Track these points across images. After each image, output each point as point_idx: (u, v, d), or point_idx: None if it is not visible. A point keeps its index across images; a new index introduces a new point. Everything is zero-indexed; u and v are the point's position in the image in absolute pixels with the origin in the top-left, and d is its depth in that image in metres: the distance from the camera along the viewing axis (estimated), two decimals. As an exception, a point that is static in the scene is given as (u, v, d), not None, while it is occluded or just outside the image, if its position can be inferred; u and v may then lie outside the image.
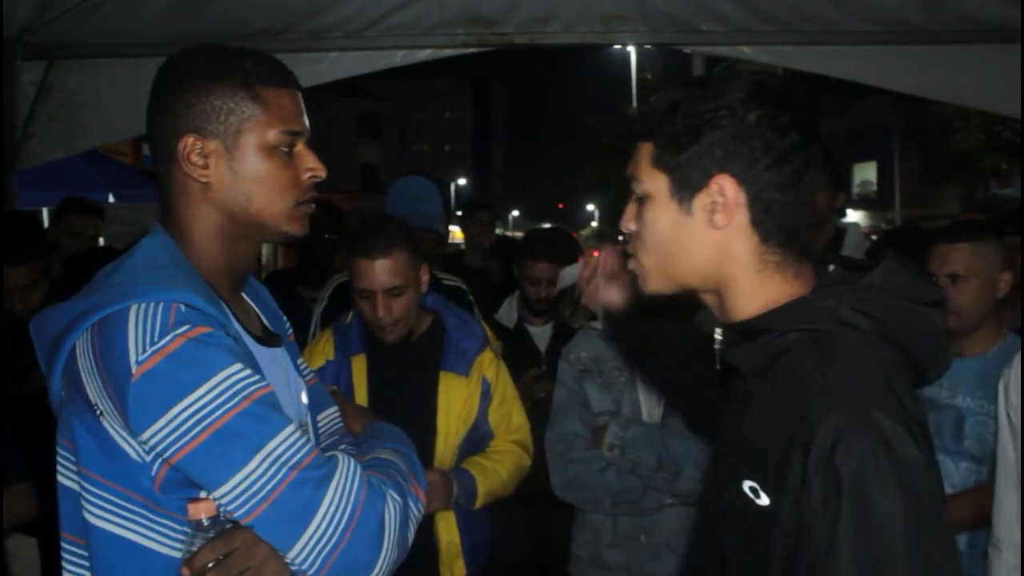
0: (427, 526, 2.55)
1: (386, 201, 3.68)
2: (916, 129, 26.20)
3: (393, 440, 1.67)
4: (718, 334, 1.42)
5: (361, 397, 2.57)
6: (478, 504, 2.53)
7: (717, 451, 1.46)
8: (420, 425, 2.49)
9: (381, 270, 2.46)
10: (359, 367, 2.63)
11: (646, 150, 1.35)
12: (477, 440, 2.66)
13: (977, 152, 21.12)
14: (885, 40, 3.61)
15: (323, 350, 2.67)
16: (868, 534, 1.09)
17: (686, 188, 1.31)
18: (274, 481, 1.26)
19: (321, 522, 1.28)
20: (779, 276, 1.33)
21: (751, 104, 1.27)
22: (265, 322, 1.64)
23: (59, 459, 1.38)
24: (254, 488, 1.25)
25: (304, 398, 1.64)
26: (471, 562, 2.63)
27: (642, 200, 1.37)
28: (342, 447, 1.70)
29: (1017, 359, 2.22)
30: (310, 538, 1.27)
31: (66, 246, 4.59)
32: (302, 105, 1.51)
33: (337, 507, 1.29)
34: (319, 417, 1.75)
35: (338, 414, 1.82)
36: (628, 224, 1.42)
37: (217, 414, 1.25)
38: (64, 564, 1.39)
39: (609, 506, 2.69)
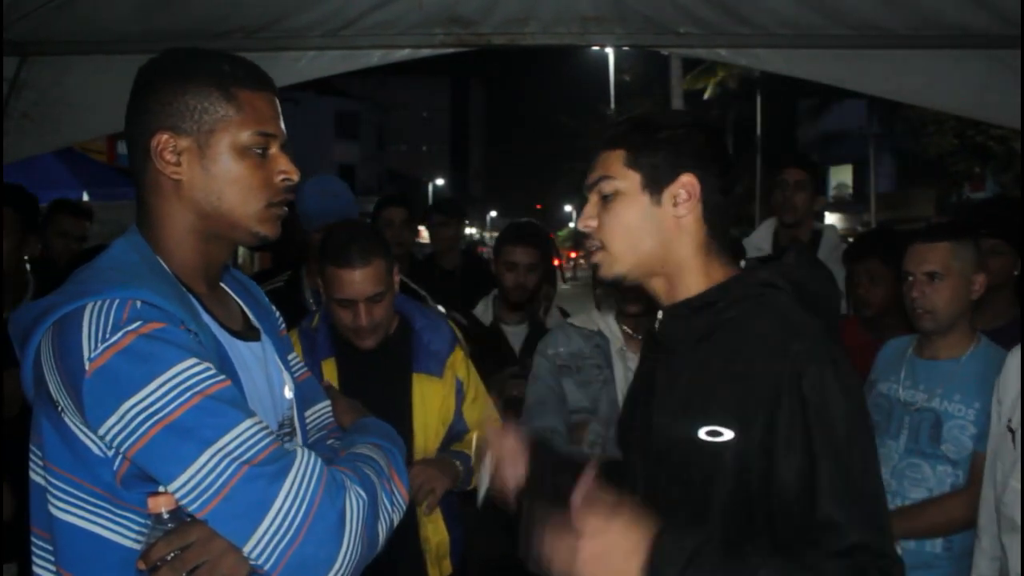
0: (414, 527, 2.57)
1: (298, 204, 3.56)
2: (891, 133, 26.44)
3: (377, 435, 1.68)
4: (660, 315, 1.71)
5: None
6: (473, 485, 2.54)
7: (639, 416, 1.73)
8: (397, 427, 2.50)
9: (363, 279, 2.46)
10: (330, 372, 2.62)
11: (617, 155, 1.65)
12: (452, 438, 2.68)
13: (951, 156, 21.34)
14: (860, 44, 3.64)
15: None
16: (824, 426, 1.44)
17: (657, 183, 1.62)
18: (225, 476, 1.26)
19: (276, 517, 1.28)
20: (717, 261, 1.66)
21: (698, 127, 1.66)
22: (251, 316, 1.65)
23: (30, 455, 1.39)
24: (205, 483, 1.26)
25: (288, 393, 1.64)
26: (454, 559, 2.65)
27: (609, 197, 1.64)
28: (329, 442, 1.72)
29: (1005, 363, 2.27)
30: (264, 533, 1.27)
31: (55, 246, 4.63)
32: (278, 109, 1.52)
33: (292, 502, 1.29)
34: (309, 412, 1.76)
35: (330, 409, 1.83)
36: (589, 222, 1.68)
37: (167, 409, 1.26)
38: (33, 559, 1.40)
39: None
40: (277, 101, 1.53)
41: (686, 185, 1.61)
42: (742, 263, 1.74)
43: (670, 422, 1.62)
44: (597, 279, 2.66)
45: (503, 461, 1.92)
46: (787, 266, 1.66)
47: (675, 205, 1.62)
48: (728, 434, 1.50)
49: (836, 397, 1.46)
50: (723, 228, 1.68)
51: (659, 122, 1.67)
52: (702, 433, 1.52)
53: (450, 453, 2.58)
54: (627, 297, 2.70)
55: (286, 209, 1.55)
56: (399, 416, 2.57)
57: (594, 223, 1.67)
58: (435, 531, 2.60)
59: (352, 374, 2.62)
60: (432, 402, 2.63)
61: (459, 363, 2.72)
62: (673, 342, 1.68)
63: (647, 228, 1.63)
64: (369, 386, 2.59)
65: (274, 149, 1.50)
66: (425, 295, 3.68)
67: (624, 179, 1.63)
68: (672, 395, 1.64)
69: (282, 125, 1.53)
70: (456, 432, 2.70)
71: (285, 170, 1.51)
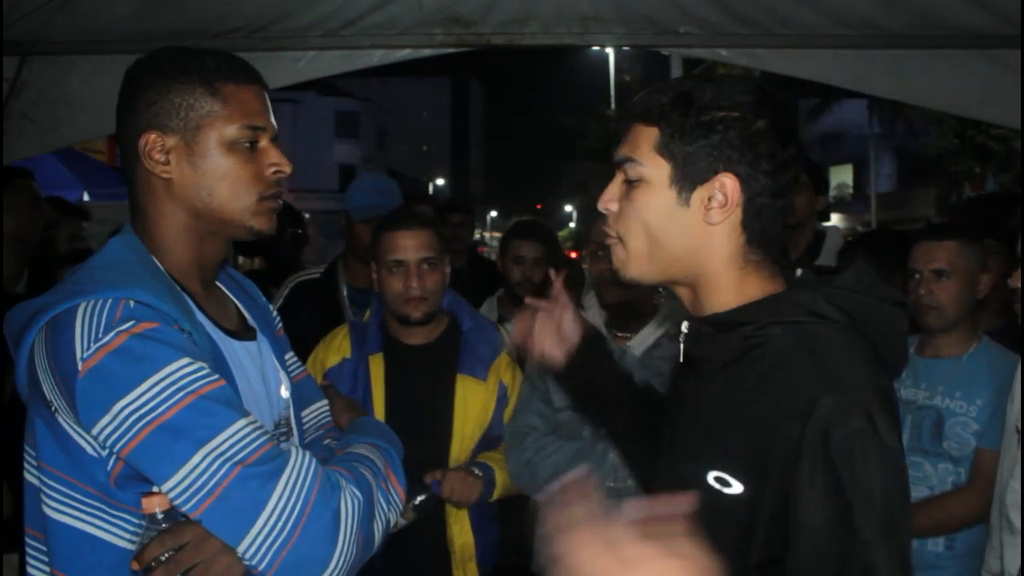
0: (440, 528, 2.58)
1: (348, 196, 3.62)
2: (891, 133, 26.42)
3: (374, 435, 1.67)
4: (684, 327, 1.45)
5: (379, 396, 2.59)
6: (495, 496, 2.57)
7: (666, 447, 1.50)
8: (436, 427, 2.56)
9: (415, 241, 2.56)
10: (377, 367, 2.65)
11: (649, 134, 1.35)
12: (490, 442, 2.69)
13: (950, 156, 21.32)
14: (860, 44, 3.64)
15: (340, 347, 2.69)
16: (850, 502, 1.17)
17: (688, 179, 1.33)
18: (218, 476, 1.26)
19: (270, 517, 1.27)
20: (756, 275, 1.37)
21: (762, 110, 1.32)
22: (247, 316, 1.64)
23: (24, 455, 1.39)
24: (199, 483, 1.26)
25: (285, 392, 1.64)
26: (484, 563, 2.65)
27: (634, 183, 1.37)
28: (326, 442, 1.72)
29: (1019, 368, 2.27)
30: (259, 533, 1.27)
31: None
32: (267, 102, 1.51)
33: (287, 502, 1.29)
34: (306, 411, 1.75)
35: (327, 408, 1.82)
36: (610, 204, 1.42)
37: (160, 409, 1.25)
38: (27, 559, 1.40)
39: None
40: (266, 94, 1.52)
41: (723, 188, 1.32)
42: (798, 272, 1.44)
43: (682, 457, 1.41)
44: (600, 275, 2.67)
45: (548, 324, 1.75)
46: (841, 289, 1.33)
47: (707, 209, 1.33)
48: (737, 486, 1.27)
49: (871, 468, 1.19)
50: (769, 236, 1.37)
51: (708, 100, 1.33)
52: (710, 477, 1.30)
53: (473, 463, 2.59)
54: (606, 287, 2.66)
55: (280, 202, 1.54)
56: (440, 416, 2.62)
57: (614, 207, 1.42)
58: (460, 532, 2.60)
59: (398, 370, 2.65)
60: (473, 405, 2.64)
61: (504, 368, 2.73)
62: (697, 362, 1.43)
63: (670, 230, 1.36)
64: (413, 384, 2.64)
65: (264, 142, 1.49)
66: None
67: (652, 166, 1.35)
68: (691, 425, 1.41)
69: (271, 118, 1.51)
70: (494, 437, 2.70)
71: (276, 162, 1.50)
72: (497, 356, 2.72)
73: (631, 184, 1.38)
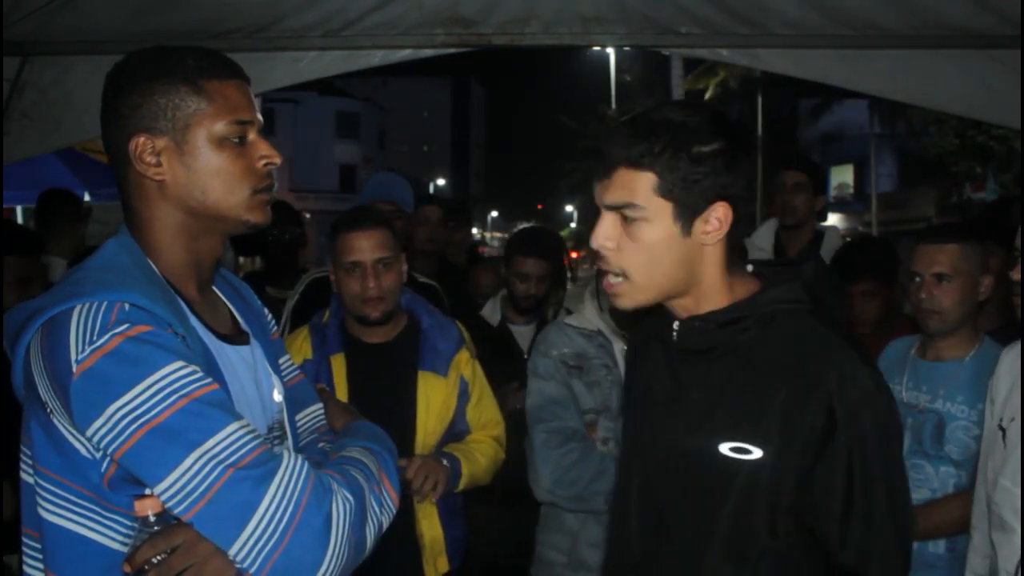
0: (410, 523, 2.60)
1: (360, 196, 3.75)
2: (892, 133, 26.42)
3: (368, 439, 1.67)
4: (676, 326, 1.66)
5: (341, 396, 2.60)
6: (461, 486, 2.60)
7: (648, 425, 1.72)
8: (399, 424, 2.54)
9: (371, 241, 2.58)
10: (338, 367, 2.66)
11: (644, 180, 1.51)
12: (454, 438, 2.72)
13: (951, 156, 21.33)
14: (860, 44, 3.63)
15: (300, 349, 2.70)
16: (884, 445, 1.52)
17: (689, 212, 1.53)
18: (210, 479, 1.26)
19: (261, 520, 1.27)
20: (737, 275, 1.64)
21: (736, 143, 1.54)
22: (240, 320, 1.64)
23: (21, 456, 1.39)
24: (191, 486, 1.26)
25: (278, 396, 1.64)
26: (453, 558, 2.67)
27: (634, 220, 1.53)
28: (320, 445, 1.71)
29: (998, 361, 2.26)
30: (249, 536, 1.27)
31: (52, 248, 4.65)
32: (251, 95, 1.51)
33: (278, 505, 1.29)
34: (301, 415, 1.75)
35: (322, 412, 1.82)
36: (607, 243, 1.57)
37: (153, 412, 1.25)
38: (24, 559, 1.41)
39: (602, 503, 2.64)
40: (248, 87, 1.52)
41: (720, 215, 1.54)
42: (749, 267, 1.72)
43: (684, 434, 1.62)
44: (604, 294, 2.67)
45: None
46: (809, 282, 1.64)
47: (704, 234, 1.55)
48: (757, 452, 1.52)
49: (886, 419, 1.53)
50: (741, 239, 1.68)
51: (696, 146, 1.51)
52: (724, 448, 1.54)
53: (440, 453, 2.61)
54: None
55: (274, 195, 1.55)
56: (403, 413, 2.63)
57: (612, 245, 1.57)
58: (429, 527, 2.62)
59: (359, 369, 2.67)
60: (435, 401, 2.66)
61: (464, 363, 2.75)
62: (690, 354, 1.65)
63: (673, 258, 1.56)
64: (375, 382, 2.66)
65: (252, 135, 1.49)
66: (439, 289, 3.70)
67: (654, 208, 1.52)
68: (688, 407, 1.63)
69: (257, 111, 1.52)
70: (457, 432, 2.73)
71: (266, 154, 1.50)
72: (457, 352, 2.75)
73: (630, 221, 1.54)
